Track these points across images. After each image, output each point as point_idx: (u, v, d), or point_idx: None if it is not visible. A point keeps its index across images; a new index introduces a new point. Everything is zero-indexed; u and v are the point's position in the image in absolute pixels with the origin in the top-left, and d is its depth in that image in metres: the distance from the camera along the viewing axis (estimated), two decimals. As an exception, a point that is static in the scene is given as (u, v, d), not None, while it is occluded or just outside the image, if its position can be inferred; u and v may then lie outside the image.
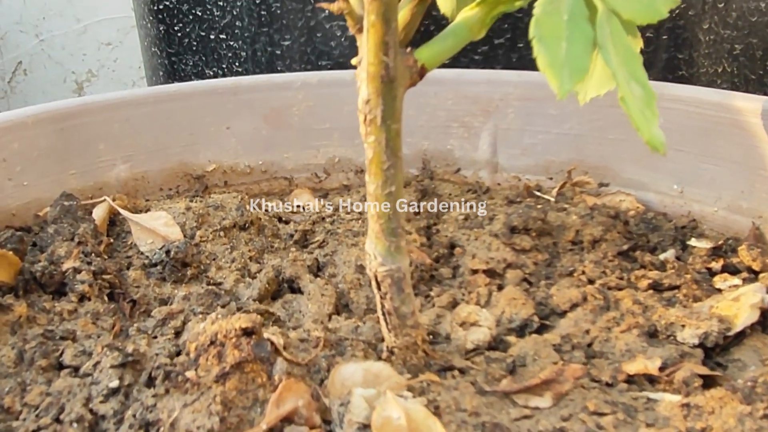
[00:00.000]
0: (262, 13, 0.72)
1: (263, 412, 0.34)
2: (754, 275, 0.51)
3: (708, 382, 0.40)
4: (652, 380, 0.41)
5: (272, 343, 0.38)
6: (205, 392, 0.34)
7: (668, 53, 0.69)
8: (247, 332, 0.36)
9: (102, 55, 1.35)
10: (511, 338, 0.46)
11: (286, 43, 0.72)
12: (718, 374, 0.40)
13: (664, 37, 0.68)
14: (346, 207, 0.62)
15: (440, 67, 0.57)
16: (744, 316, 0.44)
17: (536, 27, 0.30)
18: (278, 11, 0.71)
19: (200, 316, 0.46)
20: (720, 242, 0.54)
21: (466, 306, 0.47)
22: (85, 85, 1.38)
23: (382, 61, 0.34)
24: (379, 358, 0.41)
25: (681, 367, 0.40)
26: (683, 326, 0.44)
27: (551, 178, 0.64)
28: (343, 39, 0.71)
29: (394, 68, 0.34)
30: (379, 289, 0.39)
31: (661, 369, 0.41)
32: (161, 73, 0.84)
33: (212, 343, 0.35)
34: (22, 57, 1.35)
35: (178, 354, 0.41)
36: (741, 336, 0.44)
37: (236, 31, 0.75)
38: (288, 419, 0.33)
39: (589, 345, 0.44)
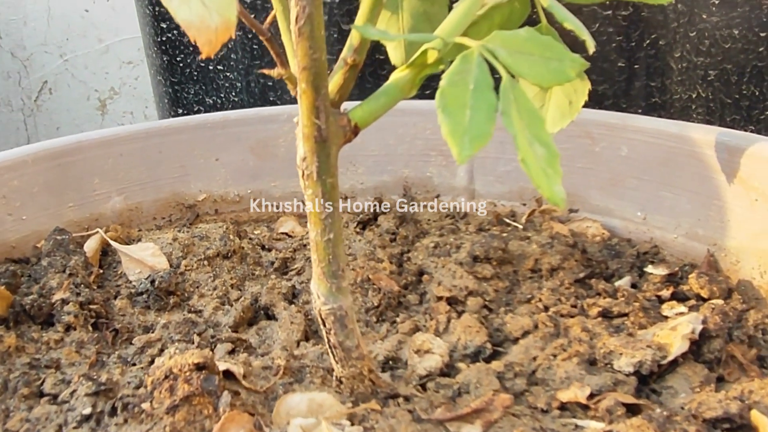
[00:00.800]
0: (254, 46, 0.76)
1: (209, 441, 0.38)
2: (702, 302, 0.54)
3: (634, 410, 0.43)
4: (584, 407, 0.44)
5: (224, 375, 0.42)
6: (157, 422, 0.38)
7: (641, 81, 0.72)
8: (199, 367, 0.40)
9: (123, 73, 1.40)
10: (463, 365, 0.49)
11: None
12: (642, 402, 0.43)
13: (636, 66, 0.71)
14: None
15: (420, 98, 0.61)
16: (676, 346, 0.47)
17: (441, 98, 0.34)
18: (269, 45, 0.75)
19: (176, 344, 0.50)
20: (676, 269, 0.57)
21: (422, 334, 0.50)
22: (107, 103, 1.43)
23: (315, 124, 0.38)
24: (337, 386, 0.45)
25: (607, 396, 0.43)
26: (621, 354, 0.47)
27: (524, 204, 0.68)
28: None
29: (326, 129, 0.38)
30: (324, 325, 0.42)
31: (592, 396, 0.44)
32: (166, 101, 0.88)
33: (167, 377, 0.39)
34: (48, 76, 1.41)
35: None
36: (675, 364, 0.47)
37: (231, 63, 0.79)
38: (230, 448, 0.37)
39: (533, 372, 0.47)
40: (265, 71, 0.39)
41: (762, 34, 0.73)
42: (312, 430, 0.38)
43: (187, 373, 0.39)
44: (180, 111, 0.89)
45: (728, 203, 0.56)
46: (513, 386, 0.46)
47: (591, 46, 0.42)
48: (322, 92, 0.37)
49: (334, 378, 0.44)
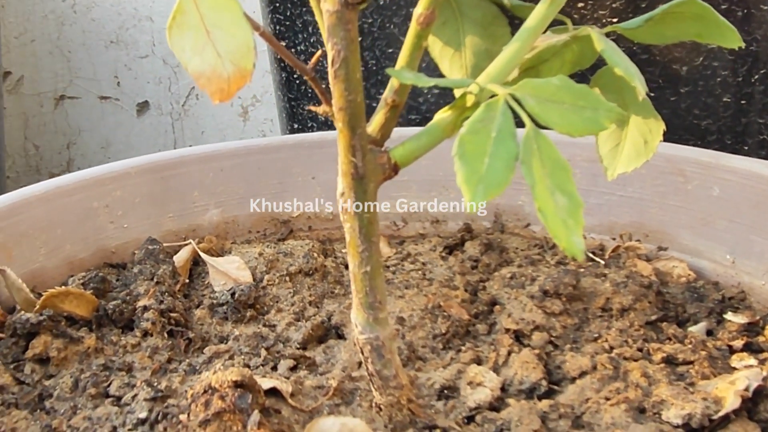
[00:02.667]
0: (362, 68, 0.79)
1: (235, 457, 0.40)
2: (777, 356, 0.52)
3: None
4: (622, 456, 0.44)
5: (271, 392, 0.45)
6: (191, 433, 0.41)
7: (748, 118, 0.69)
8: (237, 384, 0.42)
9: (265, 82, 1.46)
10: (513, 401, 0.49)
11: (380, 96, 0.78)
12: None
13: (743, 102, 0.69)
14: (414, 255, 0.68)
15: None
16: (729, 401, 0.45)
17: (460, 145, 0.35)
18: (374, 67, 0.78)
19: (242, 356, 0.53)
20: (758, 318, 0.55)
21: (476, 366, 0.51)
22: (249, 110, 1.50)
23: (351, 161, 0.39)
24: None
25: (642, 448, 0.43)
26: (671, 404, 0.46)
27: (614, 239, 0.67)
28: (429, 96, 0.76)
29: (362, 167, 0.40)
30: (362, 353, 0.44)
31: (632, 446, 0.44)
32: (284, 115, 0.92)
33: (206, 391, 0.42)
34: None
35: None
36: (727, 420, 0.45)
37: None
38: (254, 465, 0.40)
39: (580, 415, 0.47)
40: (312, 107, 0.41)
41: None
42: (336, 456, 0.40)
43: (225, 390, 0.42)
44: (296, 126, 0.92)
45: (818, 254, 0.54)
46: (556, 427, 0.46)
47: (641, 93, 0.42)
48: (358, 132, 0.39)
49: (374, 405, 0.46)
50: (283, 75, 0.90)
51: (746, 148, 0.70)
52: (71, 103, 1.52)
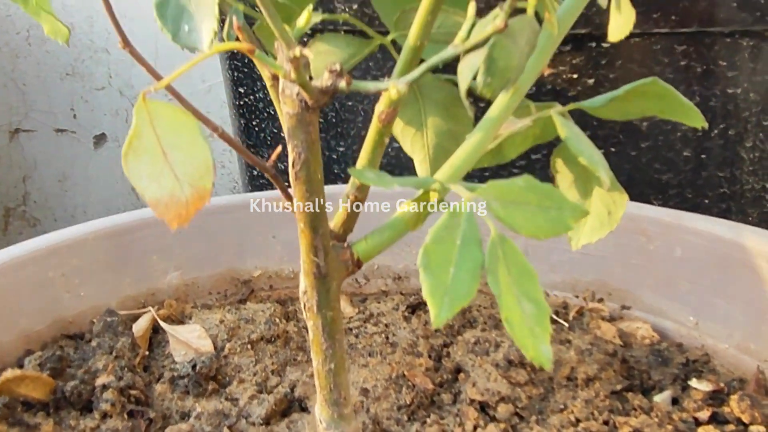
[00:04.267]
0: (320, 120, 0.78)
1: None
2: (743, 426, 0.51)
3: None
4: None
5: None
6: None
7: (708, 171, 0.70)
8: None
9: (224, 113, 1.45)
10: (480, 480, 0.49)
11: (341, 149, 0.77)
12: None
13: (703, 156, 0.69)
14: (377, 315, 0.67)
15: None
16: (697, 484, 0.45)
17: (424, 256, 0.34)
18: (333, 120, 0.77)
19: (204, 437, 0.52)
20: (722, 385, 0.55)
21: (442, 445, 0.50)
22: (208, 140, 1.48)
23: (313, 261, 0.38)
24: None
25: None
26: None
27: (577, 296, 0.66)
28: (390, 150, 0.75)
29: (324, 267, 0.39)
30: (327, 448, 0.43)
31: None
32: (243, 161, 0.91)
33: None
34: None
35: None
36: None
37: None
38: None
39: (548, 497, 0.47)
40: (281, 207, 0.40)
41: None
42: None
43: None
44: (255, 172, 0.91)
45: (780, 320, 0.54)
46: None
47: (606, 183, 0.42)
48: (319, 232, 0.38)
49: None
50: (242, 122, 0.88)
51: (707, 201, 0.70)
52: (26, 136, 1.49)
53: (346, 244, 0.40)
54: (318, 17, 0.40)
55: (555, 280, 0.67)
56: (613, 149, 0.70)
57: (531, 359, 0.35)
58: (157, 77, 0.33)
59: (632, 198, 0.71)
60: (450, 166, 0.40)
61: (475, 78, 0.31)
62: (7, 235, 1.54)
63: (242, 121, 0.88)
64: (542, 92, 0.69)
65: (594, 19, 0.64)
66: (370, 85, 0.33)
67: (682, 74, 0.66)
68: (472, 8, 0.32)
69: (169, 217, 0.30)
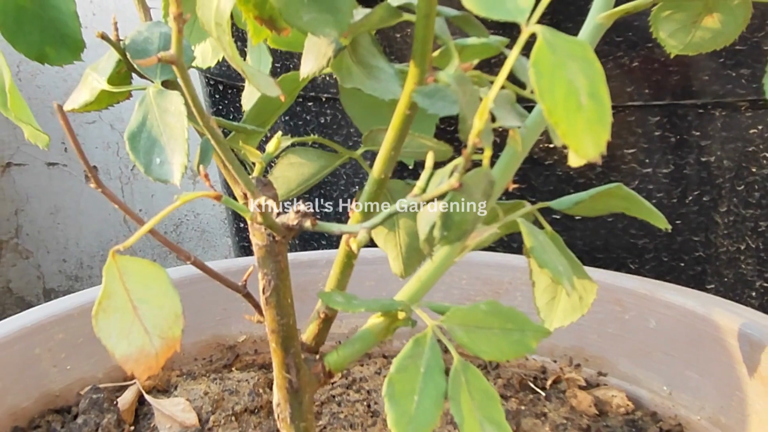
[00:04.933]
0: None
1: None
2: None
3: None
4: None
5: None
6: None
7: (683, 236, 0.71)
8: None
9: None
10: None
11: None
12: None
13: (678, 222, 0.70)
14: (359, 381, 0.68)
15: None
16: None
17: (389, 385, 0.35)
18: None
19: None
20: (693, 459, 0.57)
21: None
22: (192, 186, 1.50)
23: (286, 377, 0.40)
24: None
25: None
26: None
27: (555, 361, 0.68)
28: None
29: (297, 382, 0.40)
30: None
31: None
32: (233, 226, 0.92)
33: None
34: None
35: None
36: None
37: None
38: None
39: None
40: (247, 316, 0.42)
41: (819, 185, 0.71)
42: None
43: None
44: (242, 224, 0.92)
45: (750, 398, 0.55)
46: None
47: (569, 290, 0.43)
48: (291, 351, 0.39)
49: None
50: (239, 224, 0.90)
51: (683, 264, 0.72)
52: (18, 170, 1.50)
53: (318, 356, 0.41)
54: (288, 141, 0.42)
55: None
56: (590, 216, 0.71)
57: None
58: (140, 222, 0.34)
59: (609, 262, 0.73)
60: (417, 280, 0.41)
61: (432, 230, 0.32)
62: (1, 267, 1.56)
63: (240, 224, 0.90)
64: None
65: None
66: (334, 227, 0.34)
67: (657, 144, 0.68)
68: (430, 159, 0.33)
69: (138, 371, 0.31)
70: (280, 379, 0.40)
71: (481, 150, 0.33)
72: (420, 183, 0.33)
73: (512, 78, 0.36)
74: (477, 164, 0.32)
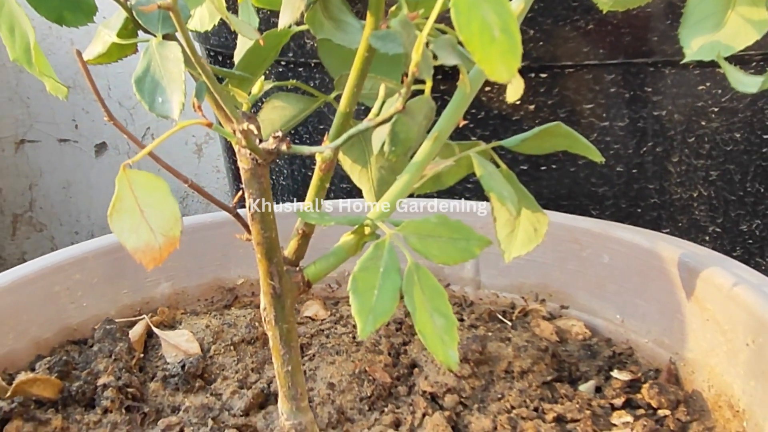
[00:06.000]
0: (296, 141, 0.86)
1: None
2: (652, 410, 0.60)
3: None
4: None
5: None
6: None
7: (639, 184, 0.78)
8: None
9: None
10: (425, 461, 0.57)
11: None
12: None
13: (634, 171, 0.77)
14: (346, 317, 0.75)
15: (438, 196, 0.69)
16: (601, 461, 0.54)
17: (353, 282, 0.42)
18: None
19: (192, 427, 0.61)
20: (640, 374, 0.64)
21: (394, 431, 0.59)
22: (203, 147, 1.56)
23: (270, 284, 0.47)
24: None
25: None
26: (555, 464, 0.54)
27: (523, 297, 0.75)
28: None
29: (279, 288, 0.47)
30: (289, 435, 0.52)
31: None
32: (231, 178, 1.00)
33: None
34: (150, 123, 1.55)
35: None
36: (600, 476, 0.54)
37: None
38: None
39: (480, 474, 0.55)
40: (237, 235, 0.49)
41: (765, 136, 0.78)
42: None
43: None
44: (239, 185, 0.99)
45: (687, 319, 0.62)
46: (458, 487, 0.54)
47: (513, 213, 0.50)
48: (274, 261, 0.46)
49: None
50: (233, 166, 0.97)
51: (639, 210, 0.79)
52: (32, 146, 1.58)
53: (298, 269, 0.48)
54: (269, 84, 0.49)
55: (504, 284, 0.76)
56: (554, 166, 0.78)
57: (441, 362, 0.44)
58: (141, 146, 0.41)
59: (573, 209, 0.80)
60: (383, 200, 0.49)
61: (383, 146, 0.39)
62: (16, 239, 1.63)
63: (235, 163, 0.96)
64: (490, 116, 0.77)
65: (531, 54, 0.73)
66: (305, 149, 0.41)
67: (612, 100, 0.74)
68: (382, 89, 0.40)
69: (145, 261, 0.39)
70: (265, 286, 0.47)
71: (424, 82, 0.40)
72: (374, 109, 0.40)
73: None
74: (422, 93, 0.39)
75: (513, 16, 0.35)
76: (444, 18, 0.52)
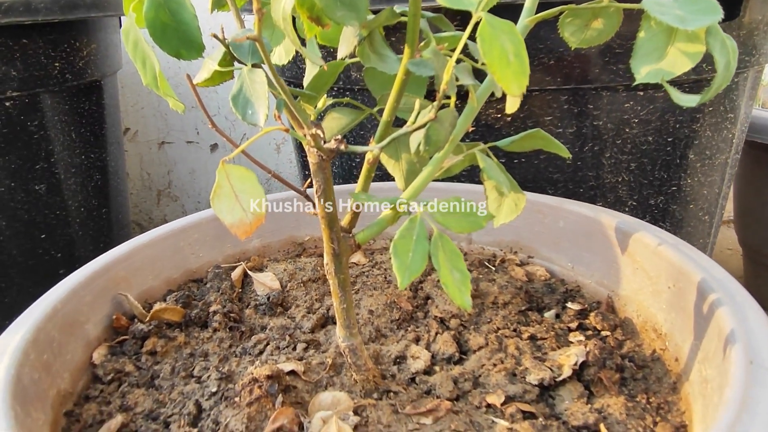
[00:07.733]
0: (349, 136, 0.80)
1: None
2: (597, 332, 0.54)
3: (528, 415, 0.44)
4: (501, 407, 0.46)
5: (291, 373, 0.46)
6: (241, 410, 0.42)
7: (582, 172, 0.71)
8: (269, 377, 0.44)
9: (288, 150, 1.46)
10: (438, 368, 0.51)
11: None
12: (534, 410, 0.45)
13: (579, 162, 0.70)
14: (380, 263, 0.69)
15: (439, 180, 0.62)
16: (565, 371, 0.47)
17: (394, 247, 0.36)
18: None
19: (275, 341, 0.55)
20: (587, 305, 0.57)
21: (415, 345, 0.53)
22: (281, 146, 1.49)
23: (330, 246, 0.41)
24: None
25: (512, 405, 0.45)
26: (531, 372, 0.48)
27: (502, 250, 0.68)
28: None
29: (338, 248, 0.41)
30: (345, 353, 0.46)
31: (507, 401, 0.46)
32: (300, 168, 0.93)
33: (250, 382, 0.43)
34: (246, 129, 1.48)
35: (248, 375, 0.49)
36: (565, 381, 0.48)
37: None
38: (280, 430, 0.41)
39: (478, 377, 0.49)
40: (307, 211, 0.42)
41: (669, 139, 0.71)
42: (328, 420, 0.42)
43: (261, 381, 0.43)
44: (306, 173, 0.93)
45: (621, 268, 0.56)
46: (462, 387, 0.48)
47: (507, 193, 0.43)
48: (334, 229, 0.40)
49: (353, 379, 0.47)
50: (298, 141, 0.90)
51: (581, 190, 0.72)
52: (169, 146, 1.51)
53: (351, 234, 0.42)
54: (329, 101, 0.42)
55: (489, 240, 0.69)
56: (523, 160, 0.71)
57: (459, 305, 0.37)
58: (235, 146, 0.35)
59: (536, 189, 0.73)
60: (412, 187, 0.42)
61: (419, 146, 0.32)
62: (159, 207, 1.58)
63: (297, 140, 0.90)
64: (480, 125, 0.70)
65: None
66: (359, 149, 0.34)
67: (565, 114, 0.67)
68: (417, 104, 0.33)
69: (239, 233, 0.33)
70: (327, 247, 0.41)
71: (449, 98, 0.33)
72: (411, 119, 0.33)
73: (472, 58, 0.37)
74: (447, 106, 0.33)
75: (523, 44, 0.28)
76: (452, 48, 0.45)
